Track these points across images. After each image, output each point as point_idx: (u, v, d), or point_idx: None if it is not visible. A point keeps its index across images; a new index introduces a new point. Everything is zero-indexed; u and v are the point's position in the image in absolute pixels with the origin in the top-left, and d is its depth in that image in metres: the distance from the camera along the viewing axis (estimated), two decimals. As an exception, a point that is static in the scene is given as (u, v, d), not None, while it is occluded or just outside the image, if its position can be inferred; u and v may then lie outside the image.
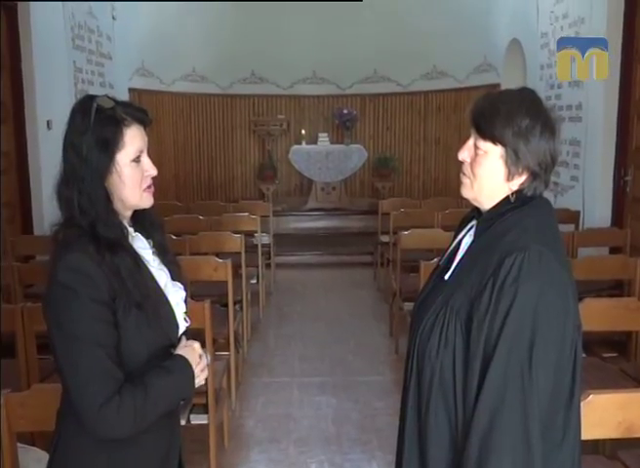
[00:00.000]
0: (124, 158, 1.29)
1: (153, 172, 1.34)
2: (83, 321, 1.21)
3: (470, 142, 1.32)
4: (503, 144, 1.27)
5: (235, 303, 3.75)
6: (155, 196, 1.39)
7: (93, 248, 1.24)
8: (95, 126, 1.25)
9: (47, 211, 4.57)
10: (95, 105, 1.26)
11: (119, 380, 1.22)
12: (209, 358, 1.43)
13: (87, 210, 1.26)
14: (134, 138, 1.29)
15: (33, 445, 2.11)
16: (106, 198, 1.28)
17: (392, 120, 8.79)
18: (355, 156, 8.19)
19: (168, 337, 1.35)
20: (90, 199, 1.26)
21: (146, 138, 1.33)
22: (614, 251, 4.31)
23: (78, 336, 1.21)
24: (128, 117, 1.29)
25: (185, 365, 1.33)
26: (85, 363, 1.20)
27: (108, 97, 1.30)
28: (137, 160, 1.31)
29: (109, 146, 1.26)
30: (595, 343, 2.96)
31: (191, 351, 1.36)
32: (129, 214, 1.36)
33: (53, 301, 1.24)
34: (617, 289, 3.60)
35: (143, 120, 1.32)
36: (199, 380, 1.37)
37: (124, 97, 6.16)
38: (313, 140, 8.45)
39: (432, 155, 8.67)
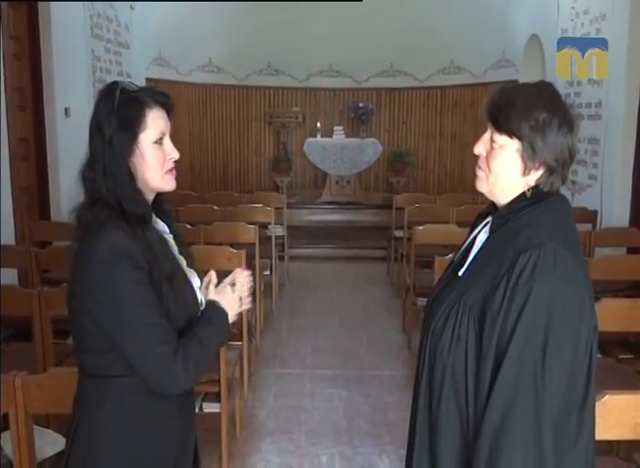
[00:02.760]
0: (146, 139, 1.31)
1: (175, 155, 1.37)
2: (132, 288, 1.24)
3: (486, 136, 1.30)
4: (520, 138, 1.24)
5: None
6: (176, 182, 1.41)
7: (125, 224, 1.27)
8: (119, 107, 1.28)
9: (64, 197, 4.61)
10: (119, 88, 1.30)
11: (176, 337, 1.27)
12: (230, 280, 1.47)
13: (113, 189, 1.29)
14: (156, 120, 1.32)
15: (48, 427, 2.14)
16: (130, 177, 1.31)
17: (408, 114, 8.75)
18: (370, 150, 8.15)
19: (189, 315, 1.37)
20: (115, 179, 1.29)
21: (169, 123, 1.36)
22: (632, 251, 4.26)
23: (131, 303, 1.24)
24: (151, 100, 1.32)
25: (219, 309, 1.39)
26: (144, 327, 1.24)
27: (132, 84, 1.33)
28: (159, 142, 1.34)
29: (132, 126, 1.29)
30: (611, 344, 2.93)
31: (222, 294, 1.42)
32: (151, 197, 1.39)
33: (95, 281, 1.25)
34: (634, 289, 3.55)
35: (166, 104, 1.35)
36: (245, 300, 1.46)
37: (141, 86, 6.18)
38: (328, 133, 8.43)
39: (448, 150, 8.62)
